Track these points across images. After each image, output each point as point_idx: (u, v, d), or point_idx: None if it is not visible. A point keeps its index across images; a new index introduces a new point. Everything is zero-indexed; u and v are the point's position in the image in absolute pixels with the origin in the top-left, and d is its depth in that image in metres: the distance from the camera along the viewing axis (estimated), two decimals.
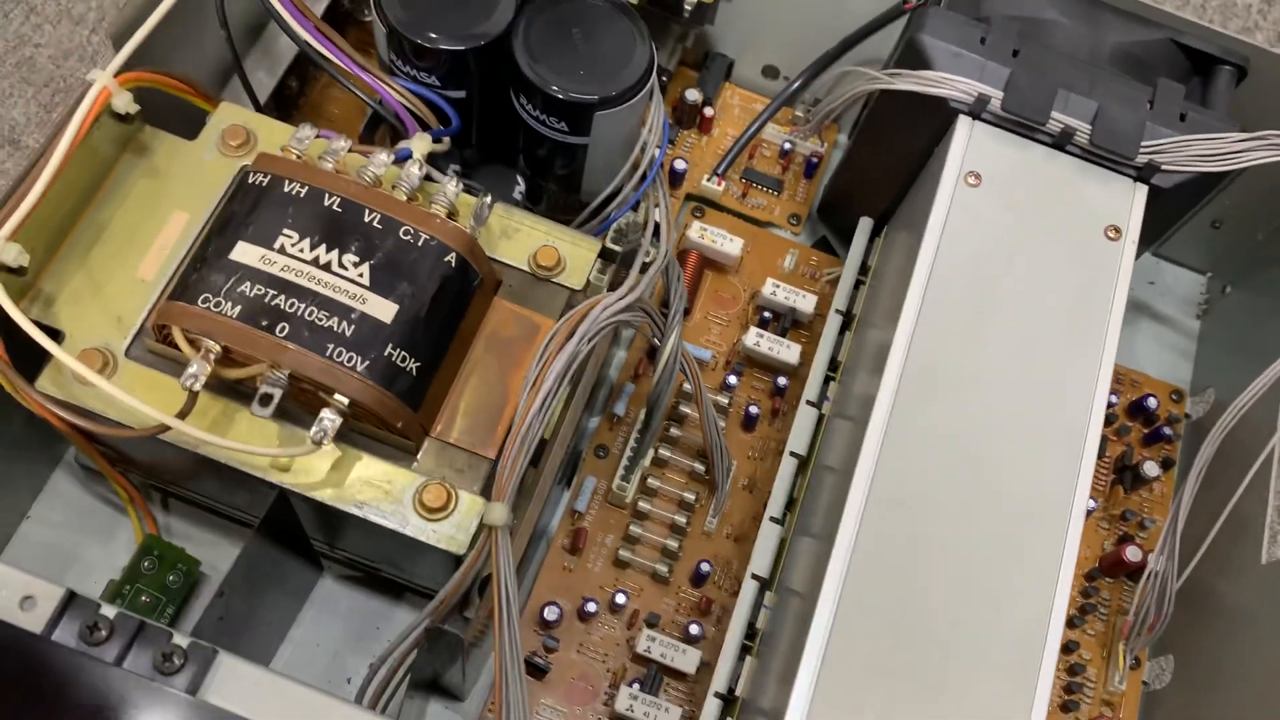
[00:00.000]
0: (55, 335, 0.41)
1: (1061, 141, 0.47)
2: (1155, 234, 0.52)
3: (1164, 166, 0.46)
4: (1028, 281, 0.44)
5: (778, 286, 0.56)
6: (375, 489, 0.40)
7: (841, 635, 0.38)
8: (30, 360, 0.40)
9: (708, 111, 0.61)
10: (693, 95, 0.60)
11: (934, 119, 0.48)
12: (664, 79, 0.60)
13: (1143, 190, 0.47)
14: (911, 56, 0.48)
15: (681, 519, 0.51)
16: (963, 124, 0.47)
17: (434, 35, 0.47)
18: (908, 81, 0.48)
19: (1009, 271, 0.44)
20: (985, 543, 0.40)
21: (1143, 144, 0.46)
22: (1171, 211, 0.50)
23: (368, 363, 0.39)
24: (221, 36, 0.48)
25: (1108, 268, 0.45)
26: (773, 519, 0.48)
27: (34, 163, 0.40)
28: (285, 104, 0.57)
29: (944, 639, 0.38)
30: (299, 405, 0.41)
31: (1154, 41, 0.50)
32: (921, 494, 0.40)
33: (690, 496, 0.52)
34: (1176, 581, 0.49)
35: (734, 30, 0.61)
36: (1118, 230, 0.46)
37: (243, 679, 0.34)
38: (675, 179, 0.60)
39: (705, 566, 0.50)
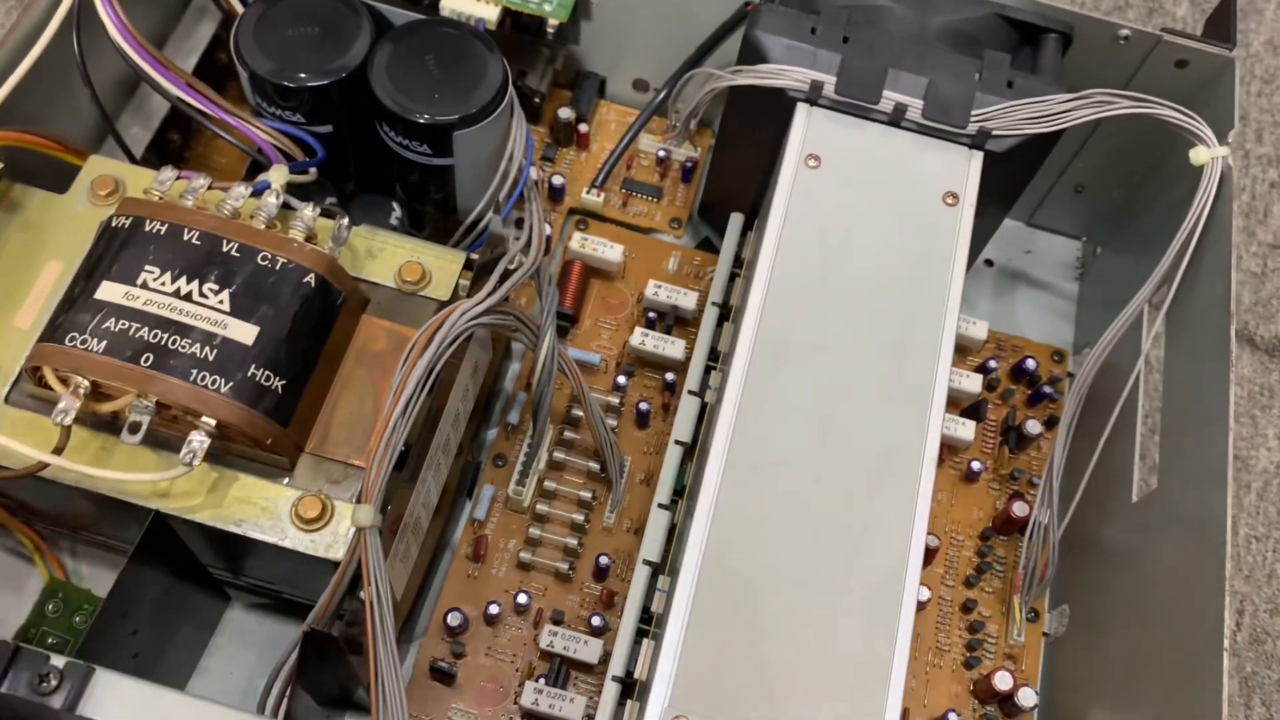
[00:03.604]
0: None
1: (896, 118, 0.49)
2: (1007, 198, 0.55)
3: (995, 132, 0.49)
4: (870, 251, 0.46)
5: (659, 287, 0.58)
6: (253, 506, 0.42)
7: (702, 605, 0.39)
8: None
9: (582, 128, 0.63)
10: (565, 113, 0.62)
11: (777, 110, 0.50)
12: (537, 100, 0.63)
13: (978, 156, 0.49)
14: (749, 53, 0.50)
15: (580, 517, 0.53)
16: (801, 111, 0.49)
17: (292, 74, 0.49)
18: (747, 76, 0.50)
19: (852, 244, 0.46)
20: (838, 500, 0.41)
21: (973, 113, 0.49)
22: (1014, 175, 0.52)
23: (231, 384, 0.41)
24: (88, 95, 0.50)
25: (946, 231, 0.47)
26: (661, 505, 0.50)
27: None
28: (171, 157, 0.59)
29: (805, 593, 0.40)
30: (176, 433, 0.42)
31: (981, 18, 0.53)
32: (776, 458, 0.42)
33: (588, 495, 0.54)
34: (1058, 530, 0.51)
35: (600, 49, 0.64)
36: (955, 196, 0.48)
37: (120, 691, 0.35)
38: (556, 194, 0.62)
39: (604, 560, 0.52)
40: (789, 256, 0.46)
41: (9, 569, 0.51)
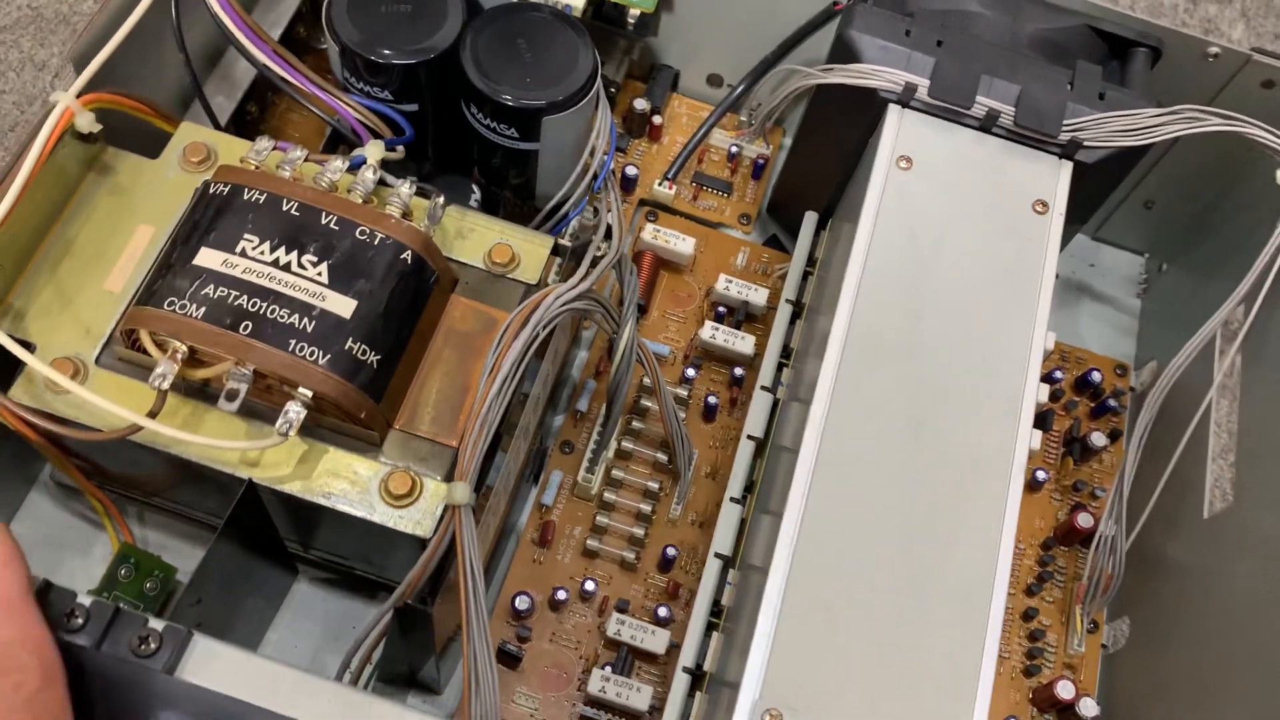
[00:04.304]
0: (26, 348, 0.42)
1: (987, 124, 0.49)
2: (1087, 210, 0.55)
3: (1086, 143, 0.49)
4: (961, 255, 0.46)
5: (730, 281, 0.58)
6: (342, 480, 0.42)
7: (793, 601, 0.39)
8: (1, 375, 0.42)
9: (656, 120, 0.63)
10: (641, 105, 0.62)
11: (866, 110, 0.50)
12: (613, 90, 0.63)
13: (1067, 166, 0.49)
14: (842, 52, 0.50)
15: (647, 507, 0.53)
16: (893, 112, 0.49)
17: (384, 51, 0.49)
18: (839, 75, 0.50)
19: (942, 247, 0.47)
20: (930, 502, 0.41)
21: (1065, 122, 0.49)
22: (1099, 186, 0.52)
23: (329, 356, 0.41)
24: (181, 61, 0.50)
25: (1037, 239, 0.47)
26: (733, 499, 0.50)
27: None
28: (246, 128, 0.58)
29: (893, 594, 0.40)
30: (266, 403, 0.42)
31: (1071, 28, 0.53)
32: (866, 461, 0.42)
33: (655, 486, 0.54)
34: (1125, 543, 0.51)
35: (678, 41, 0.64)
36: (1045, 204, 0.48)
37: (218, 658, 0.35)
38: (628, 184, 0.62)
39: (671, 551, 0.52)
40: (880, 256, 0.46)
41: (76, 532, 0.51)
